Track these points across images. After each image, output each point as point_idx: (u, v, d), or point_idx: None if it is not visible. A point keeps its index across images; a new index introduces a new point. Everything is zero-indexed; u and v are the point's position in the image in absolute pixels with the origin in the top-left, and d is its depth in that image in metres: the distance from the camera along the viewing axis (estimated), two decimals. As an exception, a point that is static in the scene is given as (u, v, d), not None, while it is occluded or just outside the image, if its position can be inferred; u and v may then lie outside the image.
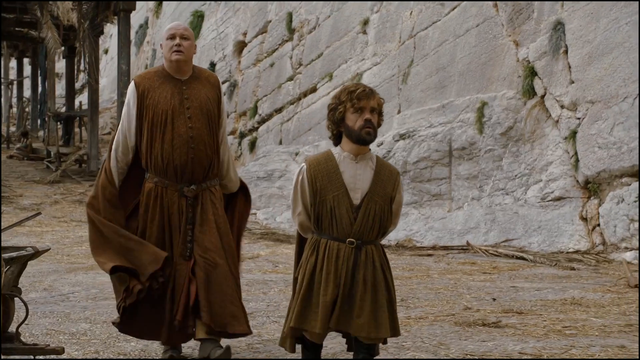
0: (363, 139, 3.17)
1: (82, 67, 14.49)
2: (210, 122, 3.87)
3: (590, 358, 3.71)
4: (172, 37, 3.84)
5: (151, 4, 21.27)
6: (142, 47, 21.55)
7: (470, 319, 4.62)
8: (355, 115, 3.17)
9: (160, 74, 3.89)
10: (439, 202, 9.41)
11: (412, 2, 11.05)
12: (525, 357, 3.72)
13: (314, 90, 13.07)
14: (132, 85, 3.89)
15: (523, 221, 8.22)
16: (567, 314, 4.78)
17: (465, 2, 9.99)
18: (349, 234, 3.15)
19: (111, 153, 3.86)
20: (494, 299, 5.33)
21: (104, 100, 21.88)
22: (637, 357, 3.84)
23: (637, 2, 7.59)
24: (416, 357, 3.80)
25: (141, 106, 3.83)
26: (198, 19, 17.28)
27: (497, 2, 9.42)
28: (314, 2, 13.45)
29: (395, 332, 3.21)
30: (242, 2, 15.58)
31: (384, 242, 3.35)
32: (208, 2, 17.01)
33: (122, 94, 13.71)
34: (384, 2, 11.67)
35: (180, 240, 3.74)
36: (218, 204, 3.86)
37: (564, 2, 8.50)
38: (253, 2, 15.33)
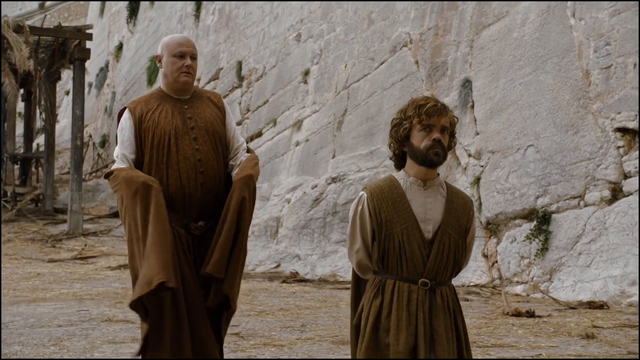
0: (430, 160, 2.72)
1: (38, 112, 15.14)
2: (217, 145, 3.42)
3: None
4: (181, 55, 3.41)
5: (112, 47, 22.08)
6: (103, 90, 22.28)
7: (346, 338, 5.39)
8: (422, 133, 2.73)
9: (156, 96, 3.46)
10: (365, 240, 10.25)
11: (347, 55, 12.03)
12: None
13: (259, 134, 13.94)
14: (126, 113, 3.42)
15: (434, 258, 9.08)
16: (432, 336, 5.58)
17: (391, 58, 10.98)
18: (421, 274, 2.70)
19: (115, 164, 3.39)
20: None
21: (64, 141, 22.44)
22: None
23: (533, 64, 8.60)
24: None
25: (139, 131, 3.36)
26: (155, 64, 18.09)
27: (418, 59, 10.43)
28: (262, 52, 14.40)
29: None
30: (199, 50, 16.50)
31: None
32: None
33: (76, 137, 14.40)
34: (323, 55, 12.64)
35: (192, 279, 3.27)
36: None
37: (472, 62, 9.51)
38: (207, 49, 16.28)
